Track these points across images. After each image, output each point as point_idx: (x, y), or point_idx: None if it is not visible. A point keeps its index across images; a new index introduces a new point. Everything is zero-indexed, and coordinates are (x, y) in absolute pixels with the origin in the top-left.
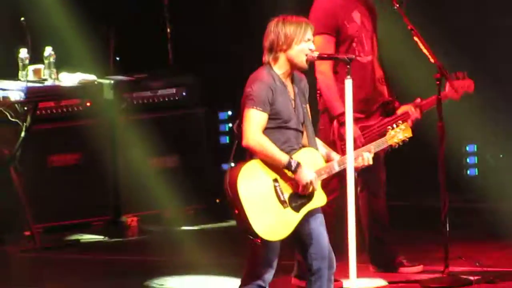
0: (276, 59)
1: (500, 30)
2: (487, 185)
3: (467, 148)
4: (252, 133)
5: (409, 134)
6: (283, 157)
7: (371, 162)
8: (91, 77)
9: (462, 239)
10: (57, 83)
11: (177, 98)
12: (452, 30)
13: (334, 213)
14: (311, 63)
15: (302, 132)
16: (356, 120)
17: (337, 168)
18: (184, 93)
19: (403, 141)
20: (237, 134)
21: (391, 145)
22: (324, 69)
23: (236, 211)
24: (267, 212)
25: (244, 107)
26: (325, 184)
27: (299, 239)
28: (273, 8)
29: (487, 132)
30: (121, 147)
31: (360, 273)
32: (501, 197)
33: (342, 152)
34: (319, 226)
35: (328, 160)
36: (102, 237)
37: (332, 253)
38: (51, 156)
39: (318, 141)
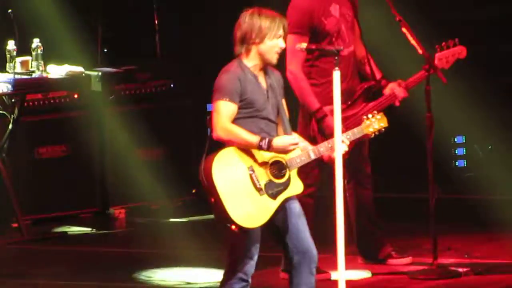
0: (248, 51)
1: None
2: (475, 176)
3: (456, 139)
4: (220, 124)
5: (384, 123)
6: (253, 138)
7: (346, 149)
8: (79, 68)
9: (451, 231)
10: (44, 75)
11: (164, 89)
12: (441, 21)
13: (314, 205)
14: (280, 60)
15: (276, 124)
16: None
17: (312, 156)
18: (171, 85)
19: (379, 130)
20: (209, 128)
21: (367, 134)
22: (294, 68)
23: (212, 200)
24: (243, 199)
25: (212, 100)
26: (305, 176)
27: (278, 232)
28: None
29: (476, 123)
30: (109, 139)
31: (348, 265)
32: (490, 188)
33: None
34: (297, 219)
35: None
36: (89, 229)
37: (313, 246)
38: (39, 148)
39: (296, 135)
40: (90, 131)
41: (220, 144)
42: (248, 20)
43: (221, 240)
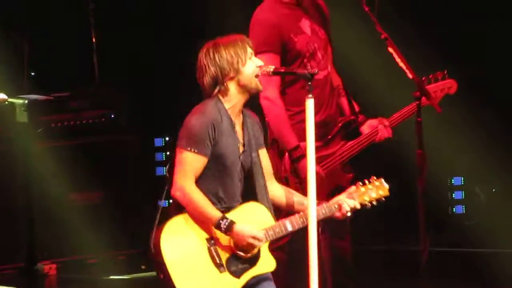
0: (225, 91)
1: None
2: (476, 224)
3: (453, 181)
4: (180, 181)
5: (384, 192)
6: (213, 213)
7: (358, 207)
8: (1, 95)
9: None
10: None
11: (103, 120)
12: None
13: (286, 260)
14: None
15: (242, 185)
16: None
17: (289, 229)
18: (112, 115)
19: (377, 200)
20: (168, 178)
21: (360, 204)
22: (271, 94)
23: (161, 276)
24: (198, 279)
25: (177, 147)
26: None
27: None
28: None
29: (477, 162)
30: (37, 179)
31: None
32: (493, 240)
33: (297, 190)
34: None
35: (299, 209)
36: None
37: None
38: None
39: (280, 189)
40: (13, 170)
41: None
42: (209, 60)
43: None
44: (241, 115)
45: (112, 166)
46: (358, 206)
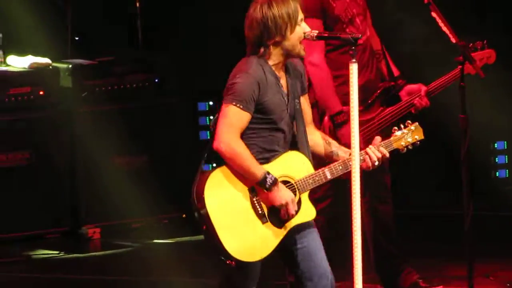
0: (268, 52)
1: None
2: None
3: (496, 146)
4: (226, 135)
5: (420, 136)
6: (258, 170)
7: (387, 154)
8: (45, 60)
9: (490, 254)
10: (4, 67)
11: (147, 85)
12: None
13: (325, 223)
14: None
15: (292, 133)
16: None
17: (329, 176)
18: (156, 80)
19: (413, 144)
20: (212, 132)
21: (397, 149)
22: (316, 59)
23: (204, 227)
24: (241, 228)
25: (223, 101)
26: (315, 189)
27: (288, 257)
28: None
29: None
30: (81, 144)
31: None
32: None
33: None
34: (311, 242)
35: (335, 159)
36: (57, 252)
37: (330, 272)
38: None
39: (319, 138)
40: (58, 135)
41: (219, 157)
42: (261, 15)
43: (214, 266)
44: (283, 68)
45: (156, 130)
46: (387, 154)
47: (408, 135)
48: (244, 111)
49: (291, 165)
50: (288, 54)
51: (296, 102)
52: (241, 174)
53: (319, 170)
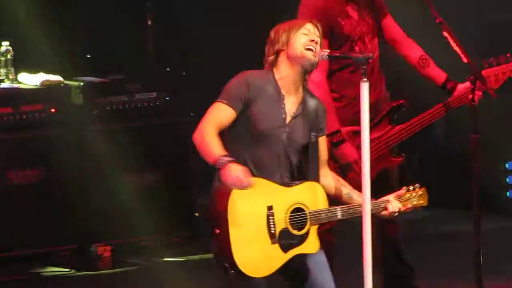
0: (276, 62)
1: None
2: None
3: (507, 166)
4: (201, 125)
5: (424, 202)
6: (217, 152)
7: (402, 210)
8: (56, 77)
9: (501, 274)
10: (15, 85)
11: (159, 103)
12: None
13: (335, 242)
14: None
15: (293, 164)
16: (354, 135)
17: (339, 216)
18: (167, 98)
19: (415, 207)
20: None
21: (402, 209)
22: (316, 77)
23: (217, 231)
24: (252, 242)
25: None
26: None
27: (292, 279)
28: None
29: None
30: (92, 161)
31: None
32: None
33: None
34: (316, 266)
35: (349, 202)
36: (68, 269)
37: None
38: (8, 173)
39: (332, 180)
40: (68, 152)
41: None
42: (270, 35)
43: (226, 285)
44: (301, 92)
45: (168, 148)
46: (403, 210)
47: (414, 198)
48: (227, 105)
49: (309, 195)
50: (295, 63)
51: (312, 135)
52: (266, 186)
53: (333, 207)
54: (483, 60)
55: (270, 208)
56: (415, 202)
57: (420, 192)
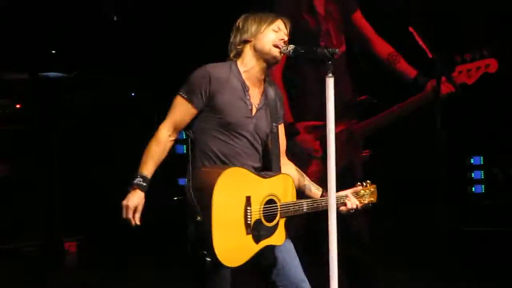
0: (239, 54)
1: None
2: (495, 205)
3: (472, 161)
4: (161, 125)
5: (374, 199)
6: (140, 168)
7: (359, 207)
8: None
9: (467, 269)
10: None
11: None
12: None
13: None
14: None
15: (259, 153)
16: (314, 129)
17: (305, 210)
18: (132, 94)
19: (366, 204)
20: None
21: (358, 206)
22: (273, 70)
23: (199, 218)
24: (231, 232)
25: None
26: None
27: (263, 269)
28: None
29: (495, 141)
30: (58, 157)
31: None
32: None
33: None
34: (285, 254)
35: (307, 193)
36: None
37: (306, 281)
38: None
39: (293, 169)
40: (34, 148)
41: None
42: (237, 25)
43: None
44: (262, 83)
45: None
46: (359, 206)
47: (367, 195)
48: (187, 102)
49: (282, 188)
50: (261, 57)
51: (274, 126)
52: (247, 177)
53: (300, 201)
54: (457, 56)
55: (248, 198)
56: (367, 200)
57: (371, 189)
